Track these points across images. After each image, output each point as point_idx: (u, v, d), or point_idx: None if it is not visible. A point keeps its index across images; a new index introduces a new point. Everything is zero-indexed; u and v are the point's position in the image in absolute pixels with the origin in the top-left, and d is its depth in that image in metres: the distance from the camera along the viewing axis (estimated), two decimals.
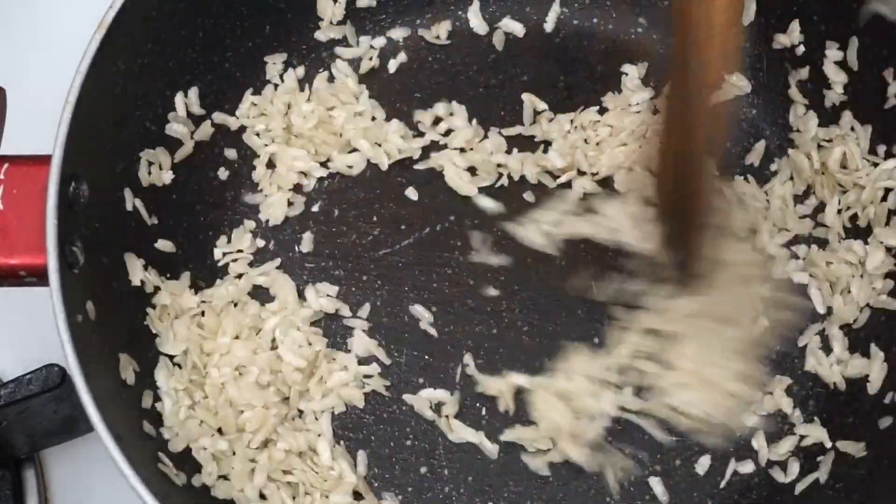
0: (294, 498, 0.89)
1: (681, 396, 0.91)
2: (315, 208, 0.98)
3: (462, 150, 0.99)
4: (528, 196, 0.98)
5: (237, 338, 0.92)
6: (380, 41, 1.02)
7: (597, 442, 0.91)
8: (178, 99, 0.94)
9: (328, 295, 0.96)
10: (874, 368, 0.91)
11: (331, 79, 1.01)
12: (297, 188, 0.98)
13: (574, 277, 0.95)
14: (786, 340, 0.94)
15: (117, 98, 0.88)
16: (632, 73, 1.00)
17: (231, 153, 0.98)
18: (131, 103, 0.90)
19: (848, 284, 0.94)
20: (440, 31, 1.02)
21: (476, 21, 1.02)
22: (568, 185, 0.98)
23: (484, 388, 0.93)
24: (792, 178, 0.97)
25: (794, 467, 0.91)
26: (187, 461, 0.87)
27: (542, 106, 1.00)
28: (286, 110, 0.98)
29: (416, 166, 0.99)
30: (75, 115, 0.81)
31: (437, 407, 0.93)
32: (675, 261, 0.91)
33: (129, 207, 0.90)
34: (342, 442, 0.92)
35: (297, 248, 0.97)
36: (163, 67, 0.91)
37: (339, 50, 1.01)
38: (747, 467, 0.92)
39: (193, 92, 0.95)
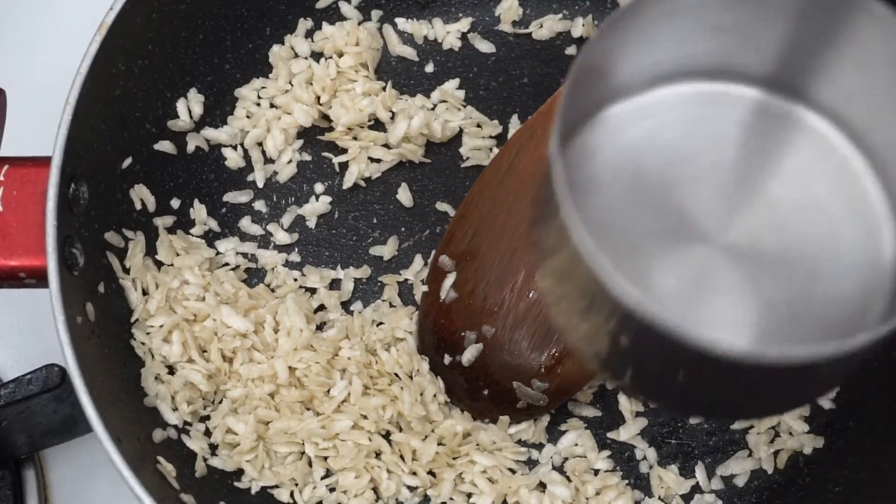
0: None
1: None
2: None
3: None
4: None
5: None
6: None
7: None
8: (181, 105, 0.94)
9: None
10: None
11: None
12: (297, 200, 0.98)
13: None
14: None
15: (117, 99, 0.88)
16: None
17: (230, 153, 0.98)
18: (131, 105, 0.89)
19: None
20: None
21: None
22: None
23: None
24: None
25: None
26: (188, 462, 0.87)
27: None
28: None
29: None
30: (75, 117, 0.81)
31: None
32: None
33: (137, 206, 0.90)
34: None
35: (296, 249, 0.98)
36: (163, 69, 0.91)
37: None
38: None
39: (193, 94, 0.95)
